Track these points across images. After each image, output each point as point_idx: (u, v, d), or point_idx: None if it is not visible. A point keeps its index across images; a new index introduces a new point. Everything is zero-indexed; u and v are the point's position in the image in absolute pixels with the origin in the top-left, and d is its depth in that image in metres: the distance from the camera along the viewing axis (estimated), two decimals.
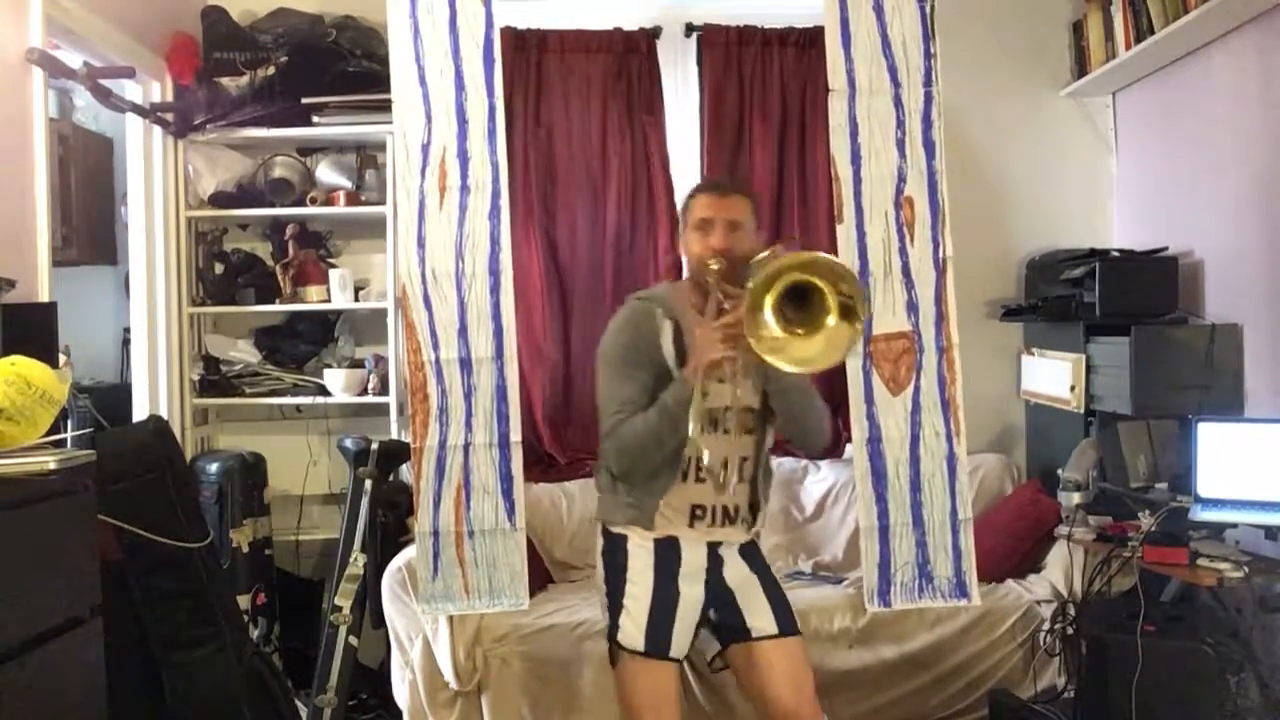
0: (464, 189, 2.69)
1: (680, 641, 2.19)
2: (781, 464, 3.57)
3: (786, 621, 2.23)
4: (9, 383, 1.84)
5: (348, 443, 3.23)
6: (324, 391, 3.63)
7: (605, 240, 3.73)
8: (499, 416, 2.67)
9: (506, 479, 2.68)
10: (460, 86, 2.70)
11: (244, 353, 3.73)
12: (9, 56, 2.59)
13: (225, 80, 3.55)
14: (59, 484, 1.81)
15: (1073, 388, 3.36)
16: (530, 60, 3.70)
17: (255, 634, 3.27)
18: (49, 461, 1.78)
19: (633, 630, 2.17)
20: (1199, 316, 3.23)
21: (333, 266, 3.70)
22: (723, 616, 2.24)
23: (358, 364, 3.70)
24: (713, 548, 2.23)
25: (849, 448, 3.69)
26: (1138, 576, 2.68)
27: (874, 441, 2.71)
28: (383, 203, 3.56)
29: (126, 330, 3.65)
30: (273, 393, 3.68)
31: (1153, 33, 3.22)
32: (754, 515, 2.27)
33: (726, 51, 3.72)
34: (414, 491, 2.68)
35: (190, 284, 3.63)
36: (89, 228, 3.64)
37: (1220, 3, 2.87)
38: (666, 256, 3.69)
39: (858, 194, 2.72)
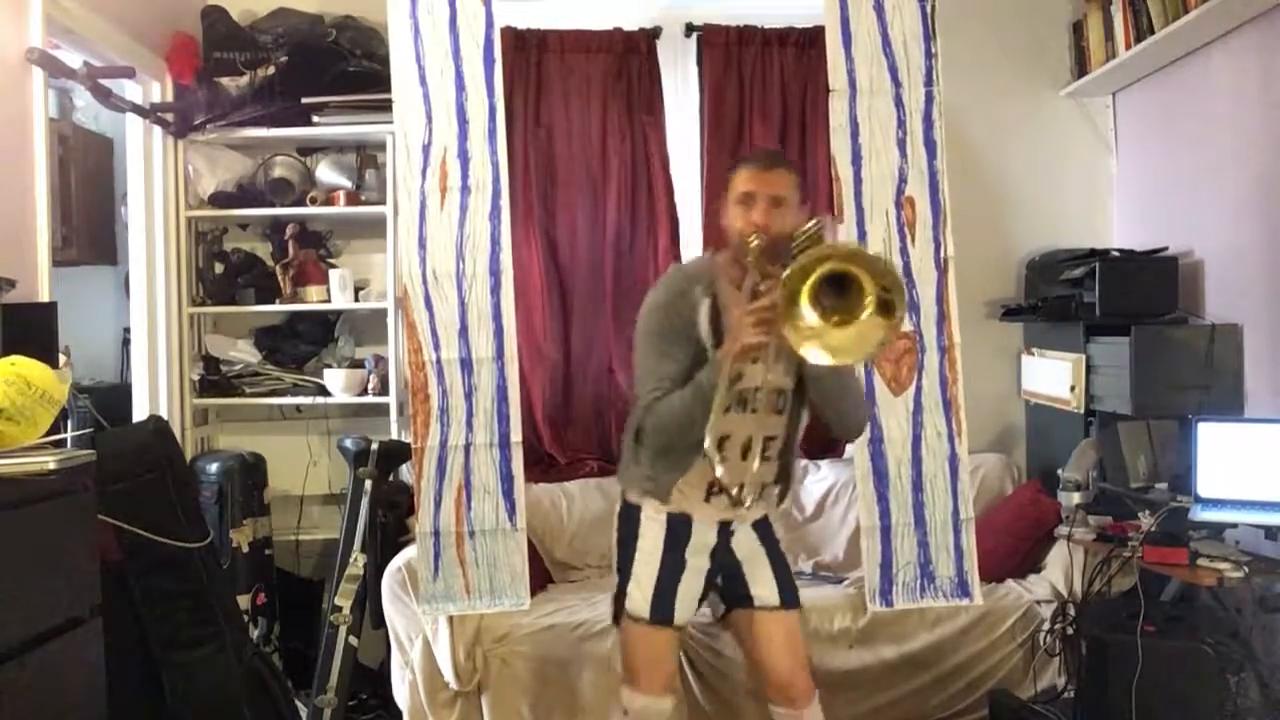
0: (464, 189, 2.69)
1: (684, 610, 2.27)
2: None
3: (789, 596, 2.31)
4: (9, 383, 1.84)
5: (348, 443, 3.23)
6: (324, 391, 3.63)
7: (605, 240, 3.73)
8: (499, 416, 2.67)
9: (507, 479, 2.68)
10: (460, 86, 2.70)
11: (244, 353, 3.73)
12: (9, 56, 2.58)
13: (225, 80, 3.55)
14: (59, 484, 1.81)
15: (1073, 388, 3.36)
16: (530, 60, 3.70)
17: (255, 634, 3.27)
18: (49, 461, 1.78)
19: (639, 599, 2.25)
20: (1199, 316, 3.23)
21: (333, 266, 3.70)
22: (728, 584, 2.32)
23: (358, 364, 3.70)
24: (724, 526, 2.27)
25: (849, 448, 3.71)
26: (1138, 576, 2.69)
27: (876, 442, 2.71)
28: (383, 203, 3.56)
29: (126, 330, 3.65)
30: (273, 393, 3.68)
31: (1153, 33, 3.22)
32: (782, 494, 2.32)
33: (726, 51, 3.72)
34: (415, 491, 2.68)
35: (190, 284, 3.63)
36: (89, 228, 3.64)
37: (1220, 3, 2.87)
38: (666, 256, 3.69)
39: (858, 194, 2.72)
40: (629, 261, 3.73)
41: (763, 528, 2.33)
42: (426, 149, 2.70)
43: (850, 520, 3.55)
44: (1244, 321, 3.08)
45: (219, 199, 3.58)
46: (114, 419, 2.94)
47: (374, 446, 3.17)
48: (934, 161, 2.73)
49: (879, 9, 2.74)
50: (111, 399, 3.28)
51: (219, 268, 3.71)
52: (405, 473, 3.39)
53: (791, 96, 3.75)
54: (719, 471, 2.10)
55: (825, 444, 3.65)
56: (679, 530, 2.25)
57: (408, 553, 2.96)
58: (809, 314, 1.86)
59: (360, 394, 3.61)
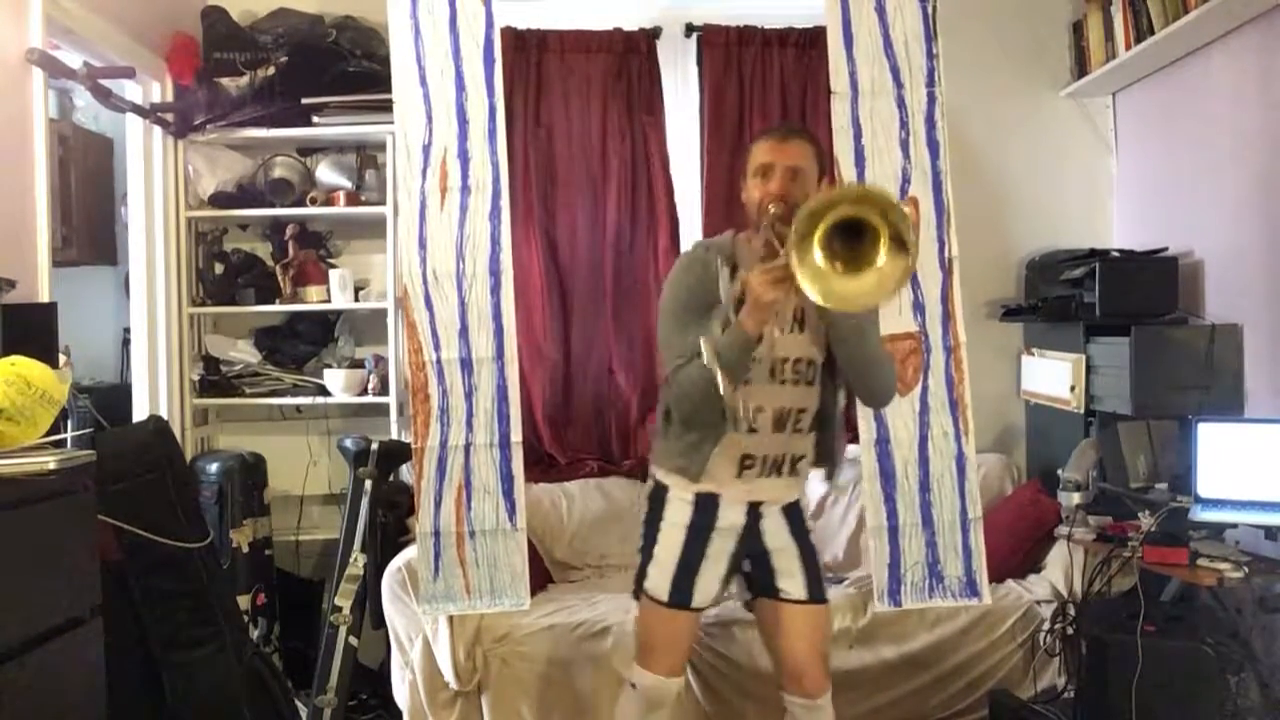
0: (465, 189, 2.69)
1: (704, 592, 2.24)
2: None
3: (816, 590, 2.29)
4: (9, 383, 1.84)
5: (348, 443, 3.23)
6: (324, 391, 3.63)
7: (605, 240, 3.73)
8: (499, 416, 2.67)
9: (507, 479, 2.68)
10: (461, 87, 2.70)
11: (244, 353, 3.73)
12: (9, 56, 2.59)
13: (225, 80, 3.55)
14: (59, 484, 1.81)
15: (1073, 388, 3.36)
16: (530, 60, 3.70)
17: (255, 634, 3.27)
18: (49, 461, 1.78)
19: (658, 580, 2.24)
20: (1199, 316, 3.23)
21: (333, 266, 3.70)
22: (756, 572, 2.30)
23: (358, 364, 3.70)
24: (753, 508, 2.25)
25: (851, 448, 3.71)
26: (1138, 576, 2.68)
27: (882, 442, 2.71)
28: (383, 203, 3.56)
29: (126, 330, 3.65)
30: (273, 393, 3.68)
31: (1153, 33, 3.22)
32: (828, 474, 2.31)
33: (726, 51, 3.72)
34: (415, 491, 2.68)
35: (190, 284, 3.63)
36: (89, 228, 3.65)
37: (1220, 3, 2.87)
38: (666, 256, 3.69)
39: None
40: (629, 261, 3.73)
41: (794, 516, 2.30)
42: (426, 149, 2.70)
43: (850, 520, 3.55)
44: (1244, 321, 3.08)
45: (219, 199, 3.58)
46: (114, 419, 2.94)
47: (374, 446, 3.17)
48: (937, 162, 2.73)
49: (880, 10, 2.73)
50: (111, 399, 3.28)
51: (219, 268, 3.71)
52: (405, 473, 3.39)
53: (791, 96, 3.75)
54: (742, 420, 2.11)
55: None
56: (706, 511, 2.23)
57: (408, 553, 2.96)
58: (821, 262, 1.83)
59: (360, 394, 3.61)
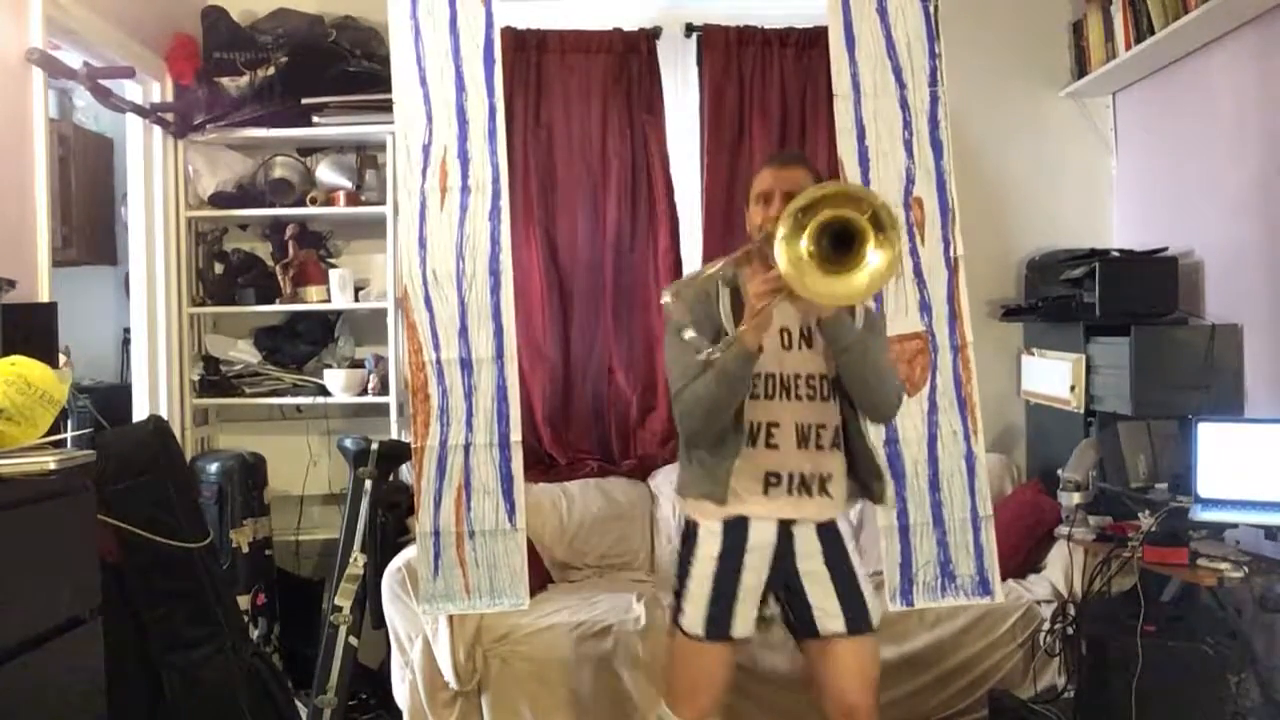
0: (464, 189, 2.69)
1: (743, 621, 2.16)
2: None
3: (858, 621, 2.18)
4: (9, 383, 1.84)
5: (348, 443, 3.23)
6: (324, 391, 3.63)
7: (605, 240, 3.73)
8: (499, 416, 2.67)
9: (507, 479, 2.68)
10: (461, 87, 2.70)
11: (244, 353, 3.73)
12: (9, 56, 2.59)
13: (225, 80, 3.55)
14: (59, 484, 1.81)
15: (1073, 388, 3.36)
16: (530, 60, 3.70)
17: (255, 634, 3.27)
18: (49, 461, 1.78)
19: (693, 615, 2.17)
20: (1199, 316, 3.23)
21: (333, 266, 3.70)
22: (793, 607, 2.21)
23: (358, 364, 3.70)
24: (785, 526, 2.17)
25: None
26: (1138, 576, 2.69)
27: (891, 443, 2.71)
28: (383, 203, 3.56)
29: (126, 330, 3.65)
30: (273, 393, 3.68)
31: (1153, 33, 3.22)
32: (865, 486, 2.23)
33: (726, 51, 3.72)
34: (415, 491, 2.68)
35: (190, 284, 3.63)
36: (89, 228, 3.64)
37: (1220, 3, 2.87)
38: (667, 256, 3.69)
39: None
40: (629, 261, 3.73)
41: (829, 537, 2.20)
42: (426, 149, 2.70)
43: (850, 520, 3.55)
44: (1244, 321, 3.08)
45: (219, 199, 3.58)
46: (114, 419, 2.94)
47: (374, 446, 3.17)
48: (941, 161, 2.73)
49: (882, 11, 2.73)
50: (111, 399, 3.28)
51: (219, 268, 3.71)
52: (405, 473, 3.39)
53: (791, 97, 3.75)
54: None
55: None
56: (735, 535, 2.16)
57: (408, 553, 2.97)
58: (809, 260, 1.87)
59: (360, 394, 3.61)
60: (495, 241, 2.69)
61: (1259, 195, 3.01)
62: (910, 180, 2.73)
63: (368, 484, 3.13)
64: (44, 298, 2.65)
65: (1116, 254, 3.44)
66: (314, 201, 3.61)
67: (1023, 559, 3.26)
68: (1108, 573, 2.73)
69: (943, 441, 2.72)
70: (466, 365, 2.67)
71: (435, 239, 2.69)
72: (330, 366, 3.67)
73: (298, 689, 3.14)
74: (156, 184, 3.48)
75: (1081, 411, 3.33)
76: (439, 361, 2.67)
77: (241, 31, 3.63)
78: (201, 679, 2.53)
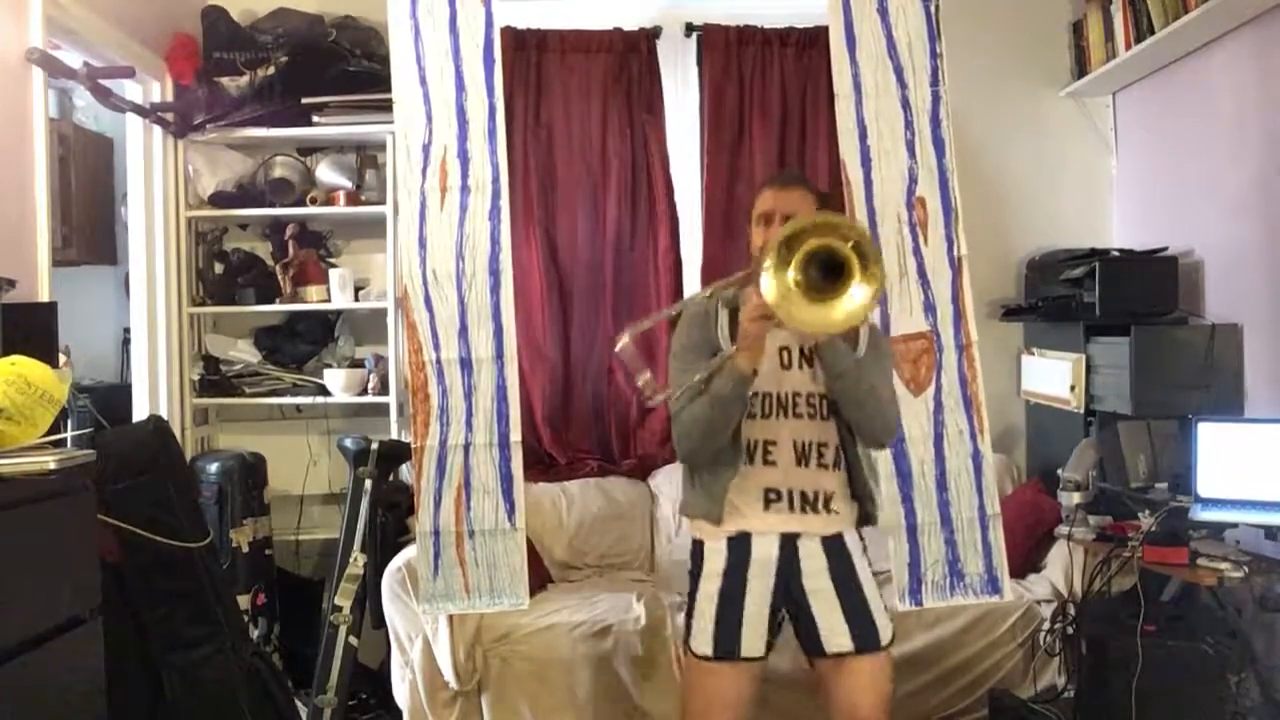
0: (464, 189, 2.69)
1: (753, 640, 2.13)
2: None
3: (865, 639, 2.14)
4: (9, 383, 1.84)
5: (348, 443, 3.23)
6: (324, 391, 3.63)
7: (605, 240, 3.73)
8: (499, 416, 2.67)
9: (506, 479, 2.68)
10: (460, 86, 2.70)
11: (244, 353, 3.73)
12: (9, 56, 2.59)
13: (225, 80, 3.55)
14: (59, 484, 1.81)
15: (1073, 388, 3.36)
16: (530, 60, 3.70)
17: (255, 634, 3.27)
18: (49, 461, 1.78)
19: (700, 635, 2.15)
20: (1199, 316, 3.23)
21: (333, 266, 3.70)
22: (800, 624, 2.18)
23: (358, 364, 3.70)
24: (788, 540, 2.15)
25: None
26: (1138, 576, 2.68)
27: (898, 442, 2.70)
28: (383, 203, 3.56)
29: (126, 330, 3.65)
30: (273, 393, 3.68)
31: (1153, 33, 3.22)
32: (860, 507, 2.19)
33: (726, 51, 3.72)
34: (415, 491, 2.68)
35: (190, 284, 3.63)
36: (89, 228, 3.64)
37: (1220, 3, 2.87)
38: (666, 256, 3.69)
39: (869, 196, 2.72)
40: (629, 261, 3.73)
41: (835, 550, 2.16)
42: (426, 149, 2.70)
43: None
44: (1244, 321, 3.08)
45: (219, 199, 3.58)
46: (114, 419, 2.94)
47: (374, 446, 3.17)
48: (943, 160, 2.73)
49: (883, 12, 2.73)
50: (111, 399, 3.28)
51: (219, 268, 3.71)
52: (405, 473, 3.39)
53: (791, 96, 3.74)
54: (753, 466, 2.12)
55: None
56: (739, 551, 2.15)
57: (408, 553, 2.97)
58: (796, 290, 1.89)
59: (360, 394, 3.61)
60: (495, 241, 2.69)
61: (1259, 195, 3.01)
62: (913, 180, 2.73)
63: (368, 484, 3.13)
64: (44, 298, 2.65)
65: (1116, 254, 3.44)
66: (314, 201, 3.61)
67: (1023, 559, 3.25)
68: (1108, 573, 2.73)
69: (949, 440, 2.72)
70: (466, 365, 2.67)
71: (435, 239, 2.69)
72: (330, 366, 3.67)
73: (298, 689, 3.14)
74: (156, 184, 3.48)
75: (1081, 411, 3.33)
76: (439, 361, 2.67)
77: (241, 31, 3.63)
78: (201, 679, 2.53)
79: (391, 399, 3.58)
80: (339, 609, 3.03)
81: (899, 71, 2.74)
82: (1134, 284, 3.25)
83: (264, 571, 3.44)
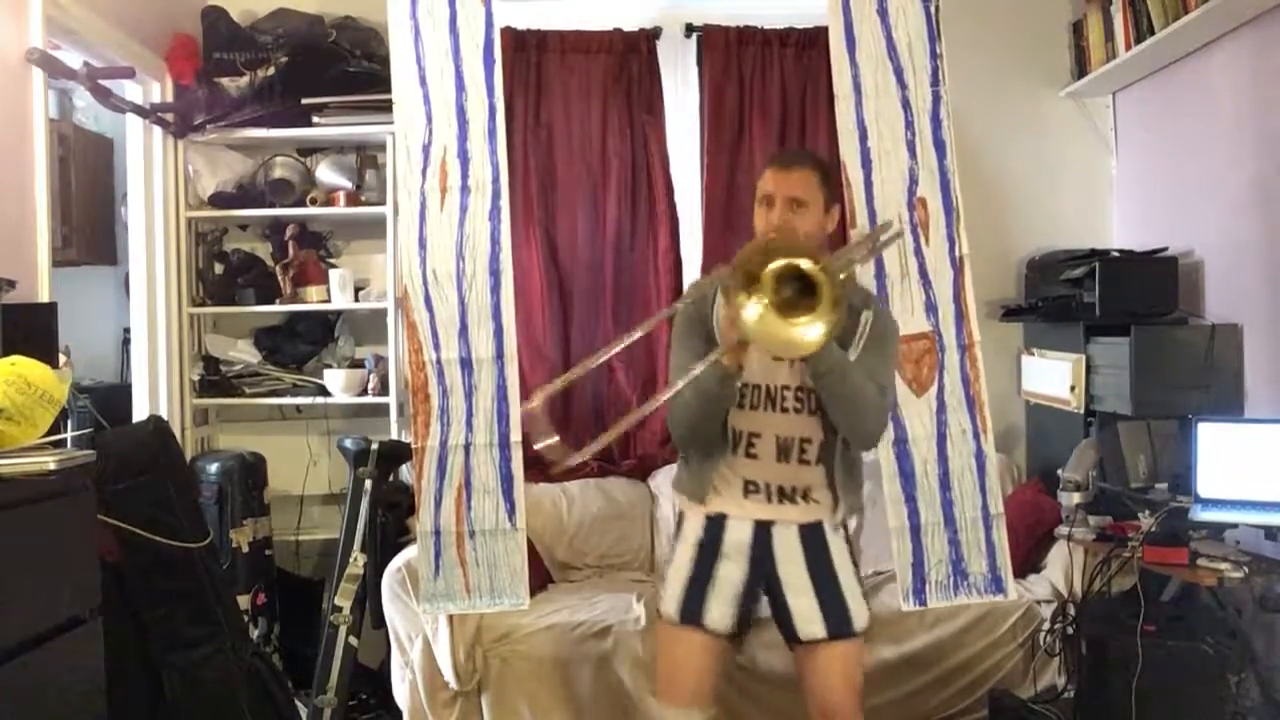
0: (464, 189, 2.69)
1: (720, 614, 2.16)
2: None
3: (838, 626, 2.16)
4: (9, 383, 1.84)
5: (348, 443, 3.23)
6: (324, 391, 3.64)
7: (605, 240, 3.73)
8: (499, 416, 2.67)
9: (507, 479, 2.68)
10: (460, 87, 2.70)
11: (244, 353, 3.73)
12: (9, 56, 2.59)
13: (225, 80, 3.55)
14: (59, 484, 1.81)
15: (1073, 388, 3.36)
16: (530, 60, 3.70)
17: (255, 634, 3.27)
18: (49, 461, 1.78)
19: (669, 599, 2.20)
20: (1199, 316, 3.23)
21: (333, 266, 3.70)
22: (776, 610, 2.21)
23: (358, 364, 3.70)
24: (763, 526, 2.17)
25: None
26: (1138, 576, 2.68)
27: (900, 443, 2.70)
28: (383, 203, 3.56)
29: (126, 330, 3.65)
30: (273, 393, 3.68)
31: (1153, 33, 3.22)
32: (834, 503, 2.18)
33: (726, 51, 3.72)
34: (415, 491, 2.68)
35: (190, 284, 3.63)
36: (89, 228, 3.64)
37: (1220, 3, 2.87)
38: (666, 256, 3.69)
39: (870, 197, 2.72)
40: (629, 261, 3.73)
41: (812, 538, 2.17)
42: (426, 149, 2.70)
43: (849, 521, 3.55)
44: (1244, 321, 3.08)
45: (219, 199, 3.58)
46: (114, 419, 2.94)
47: (374, 446, 3.17)
48: (944, 161, 2.73)
49: (883, 13, 2.73)
50: (111, 399, 3.28)
51: (219, 268, 3.71)
52: (405, 473, 3.39)
53: (791, 96, 3.74)
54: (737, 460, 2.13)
55: None
56: (715, 530, 2.19)
57: (408, 553, 2.97)
58: (760, 308, 1.86)
59: (360, 394, 3.61)
60: (495, 241, 2.69)
61: (1259, 195, 3.01)
62: (914, 180, 2.73)
63: (368, 484, 3.13)
64: (44, 298, 2.65)
65: (1116, 254, 3.44)
66: (314, 201, 3.62)
67: (1023, 559, 3.25)
68: (1108, 573, 2.73)
69: (952, 440, 2.72)
70: (467, 365, 2.67)
71: (435, 239, 2.69)
72: (330, 366, 3.67)
73: (298, 689, 3.14)
74: (156, 184, 3.48)
75: (1081, 411, 3.33)
76: (439, 361, 2.68)
77: (241, 31, 3.63)
78: (201, 679, 2.53)
79: (391, 399, 3.58)
80: (339, 609, 3.03)
81: (899, 72, 2.74)
82: (1134, 284, 3.25)
83: (264, 571, 3.44)
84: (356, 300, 3.64)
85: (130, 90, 3.39)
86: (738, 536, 2.18)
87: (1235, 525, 2.69)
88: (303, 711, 2.98)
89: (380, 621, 3.02)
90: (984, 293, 3.80)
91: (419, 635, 2.91)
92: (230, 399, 3.66)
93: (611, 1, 3.81)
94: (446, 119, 2.70)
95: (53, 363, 2.23)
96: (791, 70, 3.74)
